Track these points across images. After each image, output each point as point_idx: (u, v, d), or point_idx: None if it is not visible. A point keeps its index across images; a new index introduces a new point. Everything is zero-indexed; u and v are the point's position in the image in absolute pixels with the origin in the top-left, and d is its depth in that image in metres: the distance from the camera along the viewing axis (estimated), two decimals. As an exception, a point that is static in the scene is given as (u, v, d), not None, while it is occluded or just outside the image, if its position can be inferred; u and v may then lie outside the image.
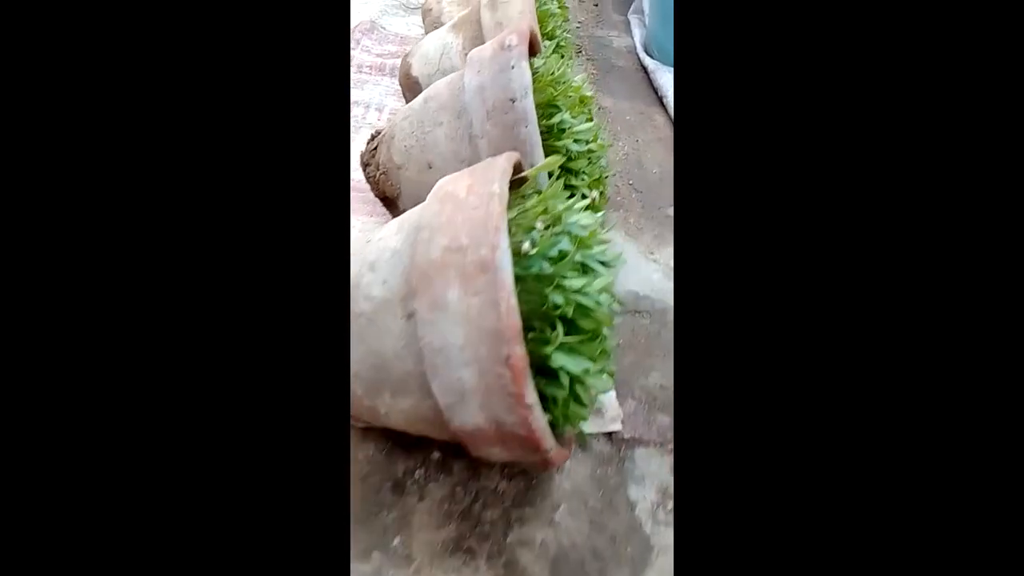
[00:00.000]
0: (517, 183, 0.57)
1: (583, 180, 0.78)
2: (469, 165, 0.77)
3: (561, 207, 0.50)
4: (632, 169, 1.29)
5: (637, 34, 1.96)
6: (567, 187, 0.76)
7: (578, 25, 2.07)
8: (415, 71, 1.11)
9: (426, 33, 1.43)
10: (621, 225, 1.10)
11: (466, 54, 1.11)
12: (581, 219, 0.49)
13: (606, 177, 0.92)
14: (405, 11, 1.93)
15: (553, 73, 0.76)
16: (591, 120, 0.87)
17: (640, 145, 1.39)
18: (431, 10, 1.40)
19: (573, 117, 0.75)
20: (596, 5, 2.29)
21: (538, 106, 0.73)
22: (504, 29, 1.01)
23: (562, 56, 1.07)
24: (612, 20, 2.20)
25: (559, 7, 1.37)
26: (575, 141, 0.74)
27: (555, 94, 0.73)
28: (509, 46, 0.72)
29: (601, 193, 0.89)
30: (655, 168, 1.30)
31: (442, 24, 1.38)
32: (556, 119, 0.72)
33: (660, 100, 1.59)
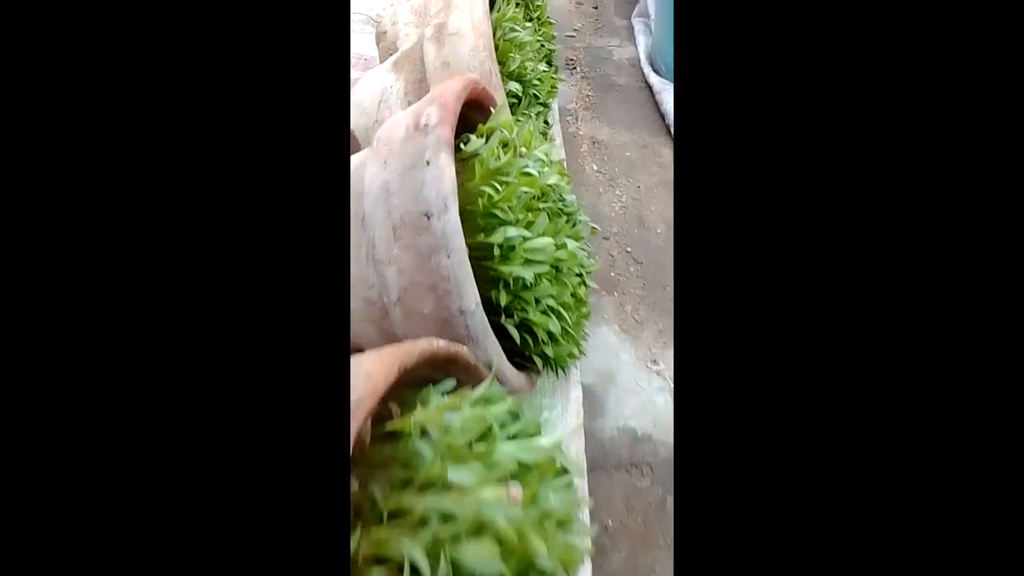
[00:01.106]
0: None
1: (548, 356, 0.53)
2: (378, 297, 0.53)
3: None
4: (630, 229, 1.04)
5: (641, 43, 1.69)
6: (521, 366, 0.52)
7: (573, 34, 1.80)
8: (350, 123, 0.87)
9: (381, 62, 1.18)
10: (614, 316, 0.85)
11: (409, 101, 0.87)
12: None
13: (589, 274, 0.67)
14: (374, 25, 1.69)
15: (498, 156, 0.51)
16: (566, 213, 0.62)
17: (642, 193, 1.13)
18: (385, 33, 1.15)
19: (528, 224, 0.51)
20: (596, 8, 2.01)
21: (471, 216, 0.49)
22: (451, 73, 0.76)
23: (526, 112, 0.82)
24: (613, 25, 1.93)
25: (538, 26, 1.11)
26: (527, 263, 0.50)
27: (497, 198, 0.49)
28: (426, 126, 0.48)
29: (582, 281, 0.64)
30: (659, 227, 1.04)
31: (397, 51, 1.14)
32: (497, 236, 0.48)
33: (667, 129, 1.32)
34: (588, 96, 1.46)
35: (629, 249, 0.99)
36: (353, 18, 1.74)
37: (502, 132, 0.57)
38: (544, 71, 0.89)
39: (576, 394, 0.71)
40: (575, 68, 1.59)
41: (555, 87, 0.94)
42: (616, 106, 1.43)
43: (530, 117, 0.82)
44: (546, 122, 0.92)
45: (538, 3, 1.14)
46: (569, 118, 1.36)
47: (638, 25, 1.78)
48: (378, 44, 1.19)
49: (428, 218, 0.46)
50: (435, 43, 0.77)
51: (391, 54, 1.16)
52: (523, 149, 0.55)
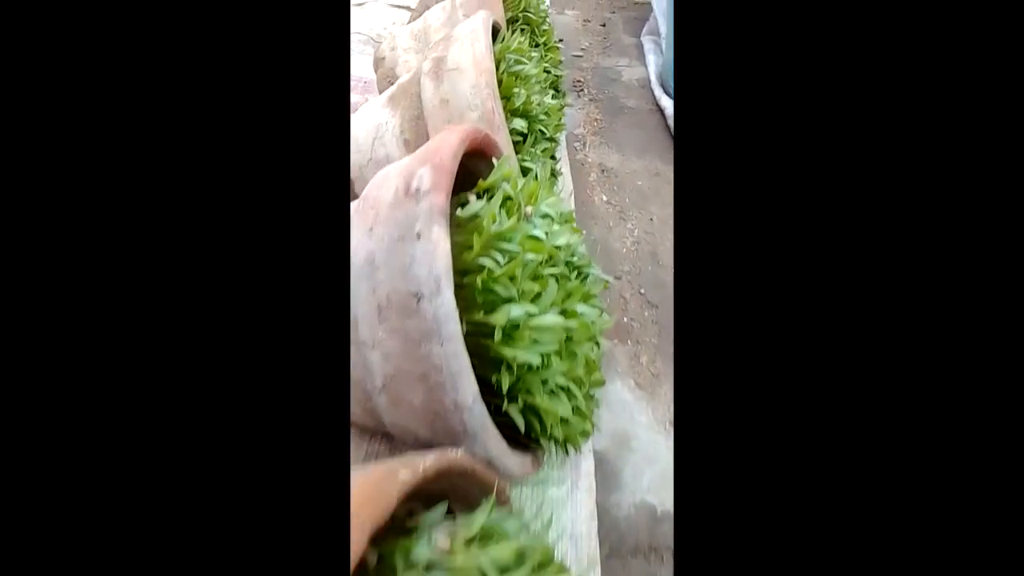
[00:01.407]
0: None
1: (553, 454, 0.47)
2: (361, 379, 0.47)
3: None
4: (643, 266, 0.97)
5: (652, 62, 1.63)
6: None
7: (581, 53, 1.75)
8: (342, 159, 0.81)
9: (379, 91, 1.13)
10: (628, 369, 0.78)
11: (405, 139, 0.81)
12: None
13: (602, 332, 0.60)
14: (374, 46, 1.65)
15: (500, 220, 0.45)
16: (577, 268, 0.55)
17: (655, 226, 1.07)
18: (384, 59, 1.10)
19: (534, 296, 0.44)
20: (603, 26, 1.96)
21: (469, 290, 0.43)
22: (450, 111, 0.70)
23: (532, 150, 0.75)
24: (622, 44, 1.87)
25: (545, 51, 1.05)
26: (533, 343, 0.43)
27: (499, 272, 0.42)
28: (417, 191, 0.42)
29: (595, 343, 0.57)
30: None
31: (397, 79, 1.08)
32: (499, 316, 0.41)
33: (681, 155, 1.27)
34: (596, 120, 1.40)
35: (643, 291, 0.92)
36: (353, 38, 1.70)
37: (505, 186, 0.51)
38: (551, 103, 0.83)
39: (587, 466, 0.64)
40: (583, 90, 1.53)
41: (562, 121, 0.88)
42: (626, 131, 1.37)
43: (537, 156, 0.76)
44: (553, 157, 0.86)
45: (544, 27, 1.09)
46: (577, 144, 1.30)
47: (648, 44, 1.72)
48: (376, 70, 1.14)
49: (418, 300, 0.40)
50: (433, 79, 0.72)
51: (389, 81, 1.11)
52: (528, 209, 0.49)
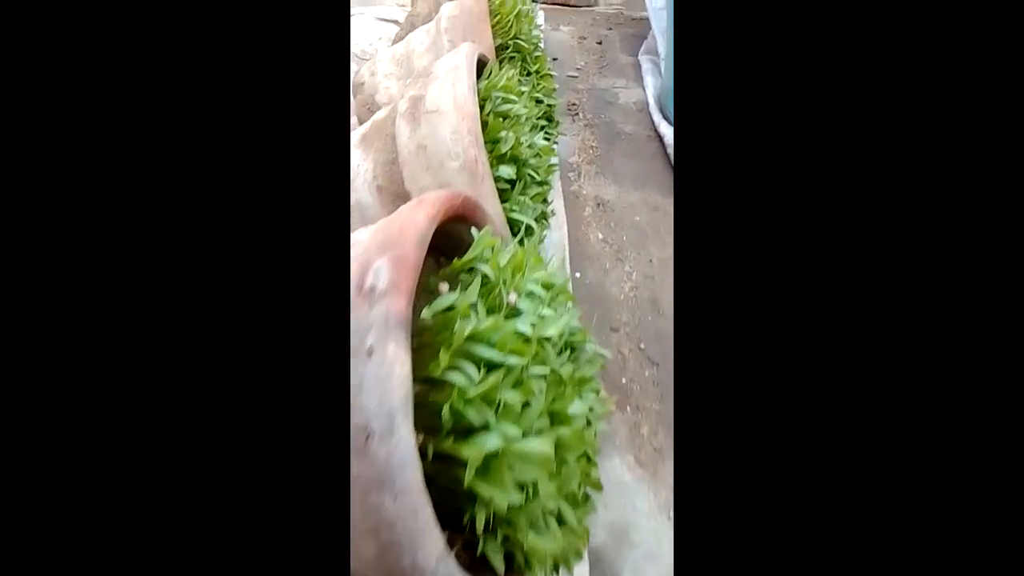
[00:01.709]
0: None
1: None
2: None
3: None
4: (643, 317, 0.89)
5: (650, 84, 1.56)
6: None
7: (576, 74, 1.67)
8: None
9: (359, 122, 1.05)
10: (627, 443, 0.70)
11: (379, 186, 0.73)
12: None
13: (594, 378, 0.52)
14: (358, 64, 1.57)
15: (478, 313, 0.37)
16: (570, 352, 0.47)
17: (654, 268, 0.99)
18: (363, 85, 1.02)
19: (518, 413, 0.36)
20: (600, 43, 1.90)
21: (435, 408, 0.34)
22: (428, 158, 0.62)
23: (521, 197, 0.67)
24: (619, 64, 1.80)
25: (537, 80, 0.98)
26: (518, 475, 0.35)
27: (472, 392, 0.34)
28: (372, 291, 0.34)
29: (589, 385, 0.49)
30: (677, 316, 0.90)
31: (379, 108, 1.00)
32: (473, 448, 0.33)
33: (681, 187, 1.19)
34: (592, 148, 1.32)
35: (643, 346, 0.84)
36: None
37: (484, 268, 0.42)
38: (542, 144, 0.75)
39: (582, 571, 0.56)
40: (577, 114, 1.46)
41: (554, 163, 0.80)
42: (623, 160, 1.29)
43: (527, 205, 0.68)
44: (545, 200, 0.78)
45: (537, 54, 1.01)
46: (571, 174, 1.22)
47: (646, 64, 1.65)
48: (354, 96, 1.06)
49: (367, 438, 0.31)
50: (410, 121, 0.63)
51: (368, 109, 1.03)
52: (512, 296, 0.41)
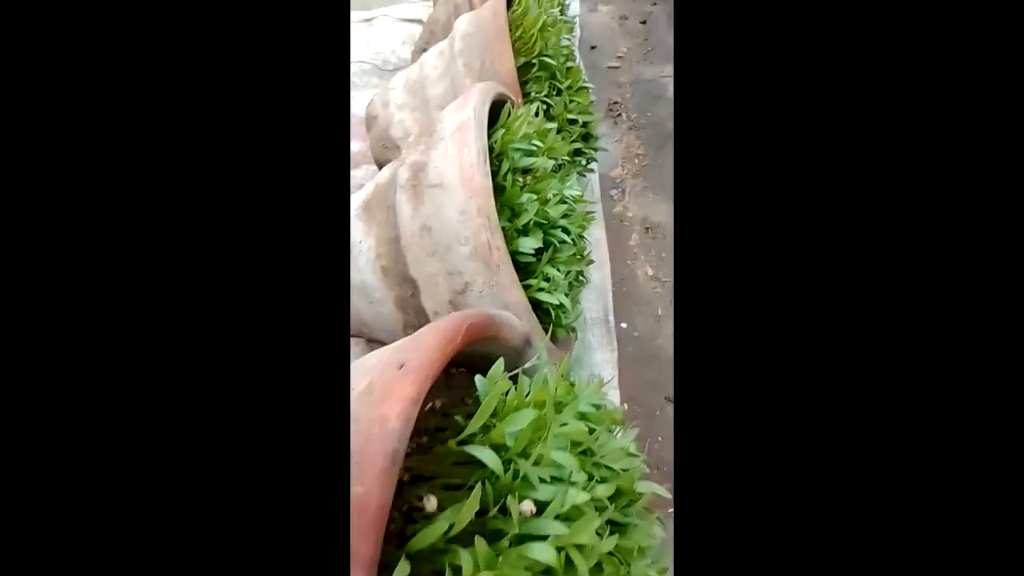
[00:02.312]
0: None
1: None
2: None
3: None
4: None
5: (703, 70, 1.37)
6: None
7: (617, 64, 1.49)
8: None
9: (375, 160, 0.95)
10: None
11: (382, 266, 0.63)
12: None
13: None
14: (379, 76, 1.46)
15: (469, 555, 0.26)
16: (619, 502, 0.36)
17: (716, 311, 0.84)
18: (376, 118, 0.92)
19: None
20: (644, 23, 1.69)
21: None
22: (433, 241, 0.51)
23: (548, 269, 0.55)
24: (667, 46, 1.60)
25: (569, 96, 0.84)
26: None
27: None
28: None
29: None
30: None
31: (394, 145, 0.90)
32: None
33: (745, 201, 1.02)
34: (638, 156, 1.16)
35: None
36: (356, 68, 1.52)
37: (485, 457, 0.32)
38: (574, 194, 0.62)
39: None
40: (620, 115, 1.29)
41: (591, 214, 0.67)
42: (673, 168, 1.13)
43: (557, 281, 0.56)
44: (580, 257, 0.66)
45: (569, 65, 0.87)
46: (614, 192, 1.08)
47: (698, 46, 1.45)
48: (368, 129, 0.96)
49: None
50: (412, 196, 0.53)
51: (384, 146, 0.93)
52: (528, 504, 0.30)
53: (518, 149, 0.57)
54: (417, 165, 0.53)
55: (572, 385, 0.42)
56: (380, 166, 0.95)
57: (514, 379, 0.39)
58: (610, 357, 0.75)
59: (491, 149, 0.56)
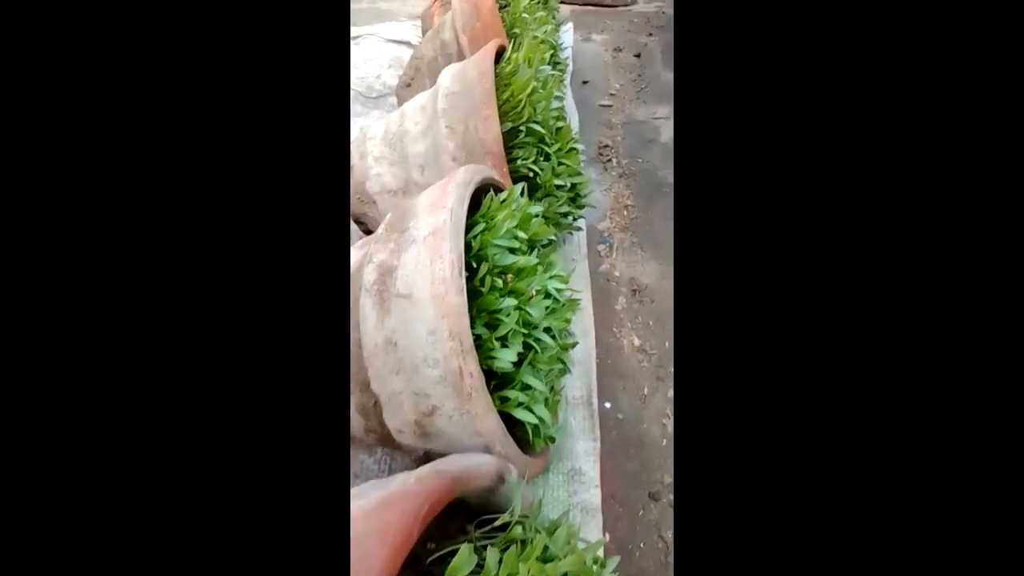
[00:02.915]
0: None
1: None
2: None
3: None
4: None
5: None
6: None
7: (609, 101, 1.45)
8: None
9: (351, 212, 0.89)
10: None
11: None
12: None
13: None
14: (362, 104, 1.40)
15: None
16: None
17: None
18: (352, 168, 0.86)
19: None
20: (638, 56, 1.65)
21: None
22: (398, 359, 0.46)
23: (530, 386, 0.50)
24: (661, 82, 1.56)
25: (558, 159, 0.79)
26: None
27: None
28: None
29: None
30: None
31: (370, 199, 0.84)
32: None
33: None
34: (627, 208, 1.12)
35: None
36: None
37: None
38: (560, 286, 0.57)
39: None
40: (610, 160, 1.25)
41: (578, 301, 0.62)
42: (666, 222, 1.09)
43: (536, 387, 0.51)
44: (562, 363, 0.61)
45: (559, 125, 0.82)
46: (601, 248, 1.03)
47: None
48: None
49: None
50: (377, 301, 0.47)
51: (359, 199, 0.87)
52: None
53: (498, 247, 0.52)
54: (385, 267, 0.48)
55: (546, 548, 0.37)
56: (356, 221, 0.89)
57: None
58: (592, 447, 0.71)
59: (468, 246, 0.50)
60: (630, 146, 1.29)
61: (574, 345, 0.68)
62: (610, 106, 1.44)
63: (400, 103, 1.20)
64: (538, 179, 0.75)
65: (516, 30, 1.00)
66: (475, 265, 0.50)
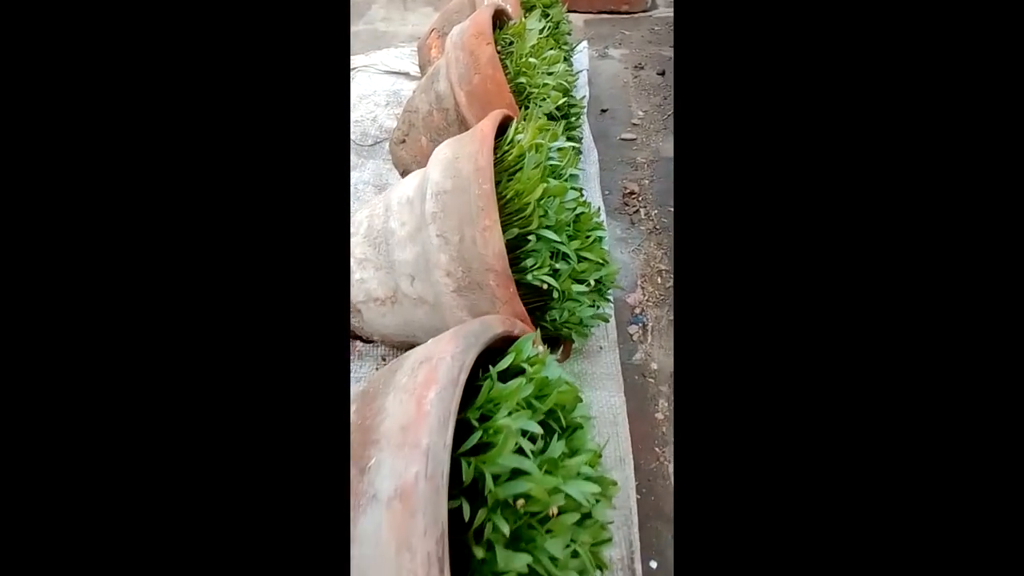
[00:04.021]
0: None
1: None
2: None
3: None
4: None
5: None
6: None
7: (632, 134, 1.26)
8: None
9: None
10: None
11: None
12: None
13: None
14: (356, 154, 1.26)
15: None
16: None
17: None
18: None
19: None
20: (662, 74, 1.47)
21: None
22: (359, 560, 0.32)
23: None
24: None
25: (579, 255, 0.63)
26: None
27: None
28: None
29: None
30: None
31: (355, 309, 0.70)
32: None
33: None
34: (662, 273, 0.96)
35: None
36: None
37: None
38: (594, 489, 0.42)
39: None
40: (637, 210, 1.08)
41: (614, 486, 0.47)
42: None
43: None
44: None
45: (579, 211, 0.66)
46: (632, 329, 0.87)
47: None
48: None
49: None
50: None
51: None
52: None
53: (503, 466, 0.37)
54: (364, 432, 0.33)
55: None
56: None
57: None
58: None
59: (458, 448, 0.36)
60: (660, 191, 1.12)
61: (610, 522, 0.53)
62: (634, 140, 1.27)
63: (395, 162, 1.06)
64: (553, 292, 0.60)
65: (522, 80, 0.84)
66: (467, 484, 0.36)
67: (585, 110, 1.33)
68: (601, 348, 0.84)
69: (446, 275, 0.58)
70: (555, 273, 0.59)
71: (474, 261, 0.56)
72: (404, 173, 1.03)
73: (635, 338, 0.87)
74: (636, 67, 1.53)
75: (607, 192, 1.12)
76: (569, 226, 0.64)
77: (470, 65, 0.81)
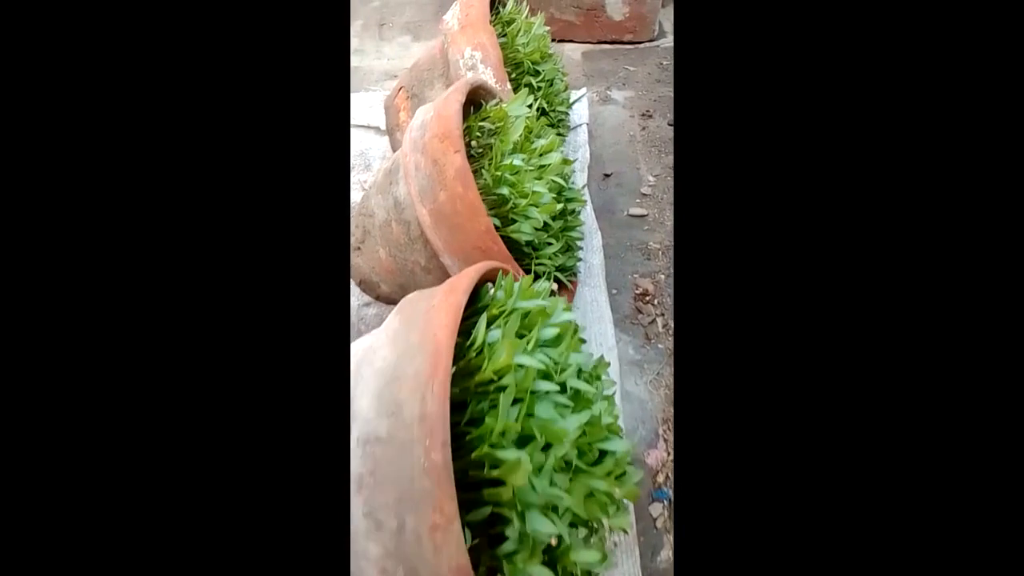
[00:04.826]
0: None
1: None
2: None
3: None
4: None
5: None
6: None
7: (641, 208, 1.05)
8: None
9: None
10: None
11: None
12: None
13: None
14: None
15: None
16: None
17: None
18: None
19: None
20: (672, 125, 1.27)
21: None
22: None
23: None
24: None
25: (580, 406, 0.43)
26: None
27: None
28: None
29: None
30: None
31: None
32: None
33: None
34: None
35: None
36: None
37: None
38: None
39: None
40: (653, 320, 0.87)
41: None
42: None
43: None
44: None
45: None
46: (653, 511, 0.67)
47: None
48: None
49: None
50: None
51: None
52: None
53: None
54: None
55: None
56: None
57: None
58: None
59: None
60: (680, 290, 0.92)
61: None
62: (645, 216, 1.06)
63: (352, 271, 0.85)
64: None
65: (504, 190, 0.63)
66: None
67: (585, 177, 1.13)
68: (615, 545, 0.63)
69: (380, 573, 0.38)
70: (552, 562, 0.39)
71: (421, 568, 0.35)
72: (362, 284, 0.82)
73: (660, 524, 0.66)
74: (644, 115, 1.32)
75: (614, 291, 0.91)
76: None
77: (434, 177, 0.61)
